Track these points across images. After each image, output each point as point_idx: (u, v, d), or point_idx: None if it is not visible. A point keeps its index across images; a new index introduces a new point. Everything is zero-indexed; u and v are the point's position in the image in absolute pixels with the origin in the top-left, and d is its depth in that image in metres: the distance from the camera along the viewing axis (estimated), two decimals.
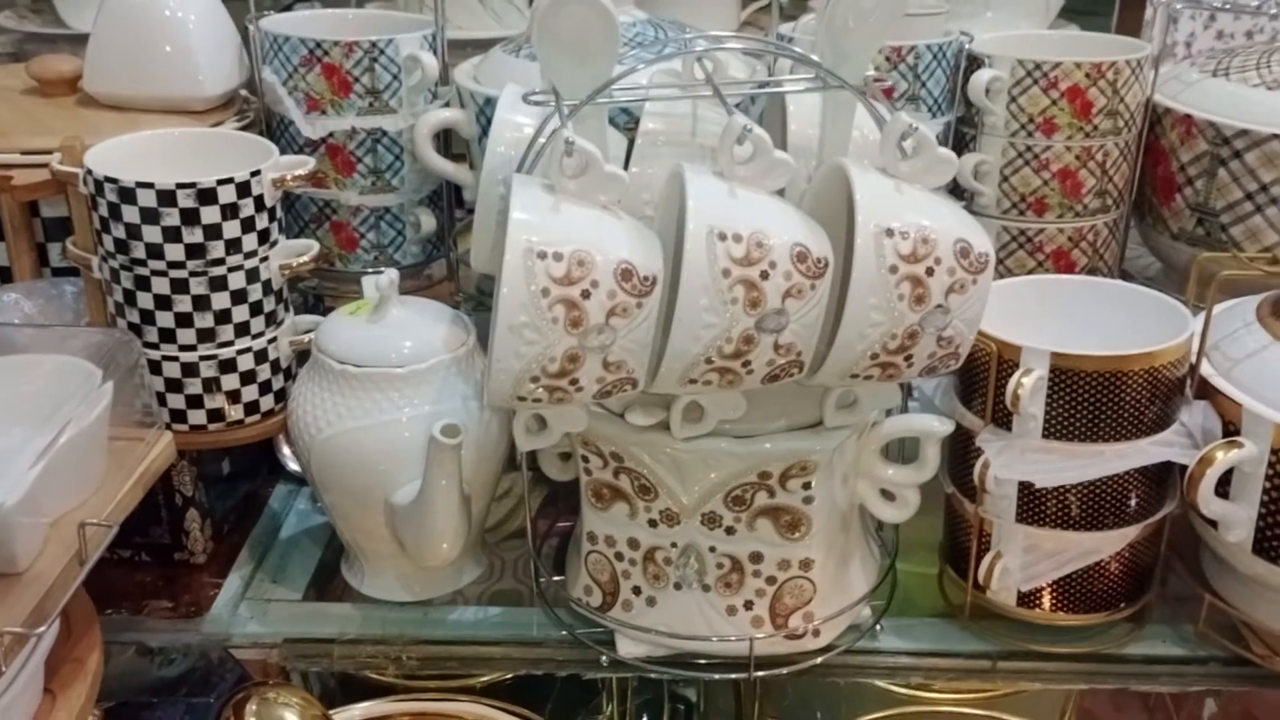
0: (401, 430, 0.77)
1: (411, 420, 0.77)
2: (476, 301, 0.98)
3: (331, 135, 0.91)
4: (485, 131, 0.89)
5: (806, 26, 0.94)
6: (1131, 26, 1.33)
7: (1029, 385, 0.71)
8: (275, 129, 0.94)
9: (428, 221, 0.96)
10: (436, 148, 0.91)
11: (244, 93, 0.97)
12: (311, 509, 0.95)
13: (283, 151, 0.87)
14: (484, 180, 0.76)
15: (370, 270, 0.97)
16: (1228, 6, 1.21)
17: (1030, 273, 0.93)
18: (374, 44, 0.90)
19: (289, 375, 0.85)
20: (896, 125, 0.65)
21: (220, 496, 0.92)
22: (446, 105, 0.92)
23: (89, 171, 0.76)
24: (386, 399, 0.77)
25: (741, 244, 0.62)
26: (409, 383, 0.77)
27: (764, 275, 0.62)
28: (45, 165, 0.81)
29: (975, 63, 0.92)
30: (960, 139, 0.95)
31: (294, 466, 0.96)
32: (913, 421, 0.76)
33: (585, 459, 0.76)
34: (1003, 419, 0.74)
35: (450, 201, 0.99)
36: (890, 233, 0.62)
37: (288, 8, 1.79)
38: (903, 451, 0.80)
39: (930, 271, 0.63)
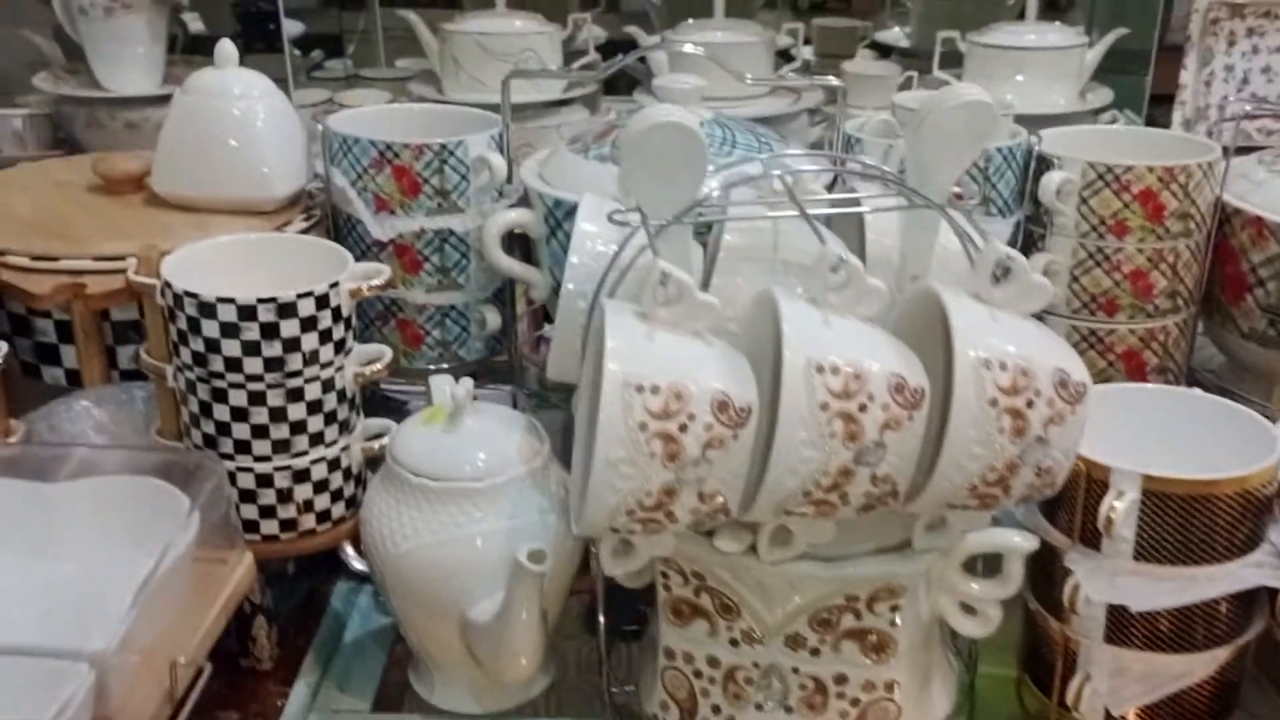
0: (479, 546, 0.76)
1: (489, 535, 0.76)
2: (540, 399, 0.98)
3: (400, 235, 0.91)
4: (554, 233, 0.89)
5: (875, 127, 0.94)
6: (1167, 80, 1.35)
7: (1121, 510, 0.70)
8: (342, 228, 0.94)
9: (493, 319, 0.96)
10: (504, 246, 0.91)
11: (311, 187, 0.97)
12: (374, 608, 0.94)
13: (349, 250, 0.87)
14: (564, 294, 0.75)
15: (434, 368, 0.97)
16: None
17: (1100, 373, 0.93)
18: (444, 146, 0.90)
19: (359, 481, 0.85)
20: (991, 253, 0.64)
21: (284, 596, 0.91)
22: (514, 205, 0.92)
23: (167, 284, 0.76)
24: (464, 514, 0.76)
25: (839, 376, 0.61)
26: (486, 497, 0.77)
27: (862, 408, 0.61)
28: (119, 272, 0.81)
29: (1044, 163, 0.91)
30: (1029, 238, 0.94)
31: (358, 565, 0.95)
32: (996, 537, 0.75)
33: (665, 575, 0.75)
34: (1091, 538, 0.73)
35: (513, 300, 0.99)
36: (989, 364, 0.62)
37: (318, 65, 1.81)
38: (983, 564, 0.79)
39: (1030, 404, 0.62)
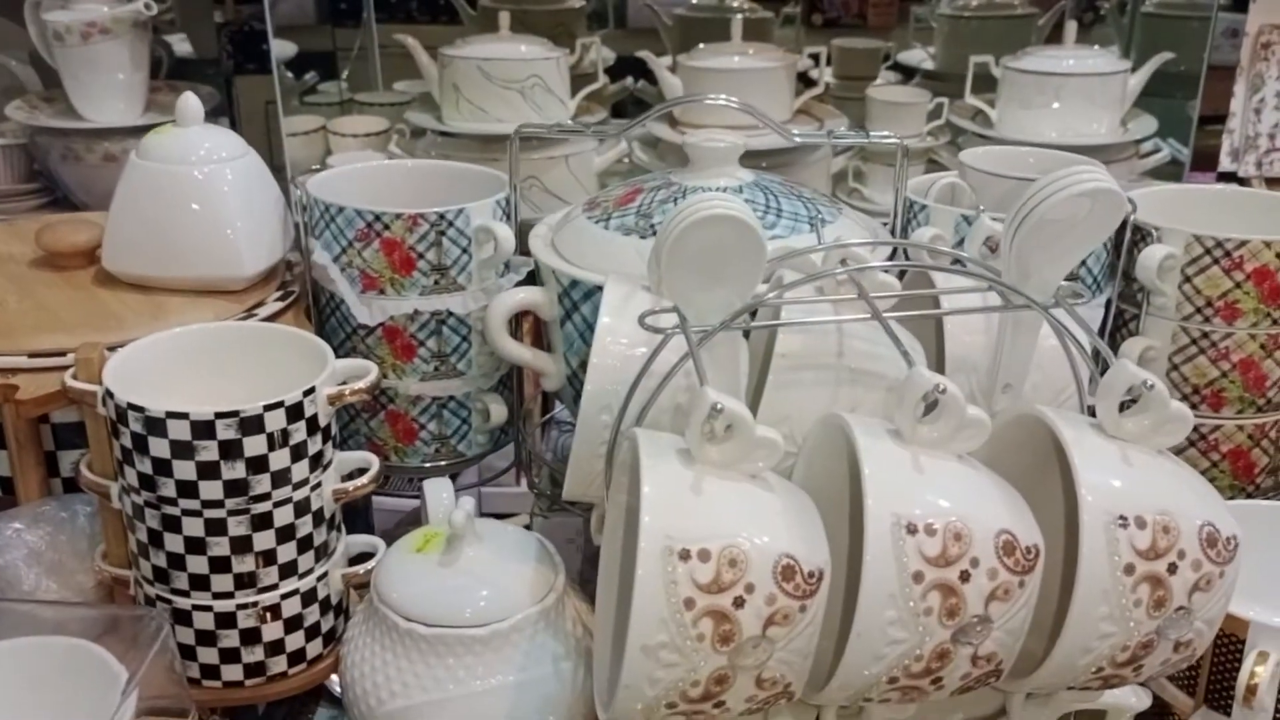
0: (482, 705, 0.63)
1: (495, 692, 0.64)
2: (551, 500, 0.85)
3: (391, 318, 0.79)
4: (569, 315, 0.77)
5: (941, 192, 0.82)
6: (1217, 103, 1.26)
7: (1266, 676, 0.57)
8: (324, 307, 0.82)
9: (498, 411, 0.83)
10: (510, 330, 0.79)
11: (290, 257, 0.84)
12: None
13: (331, 335, 0.75)
14: (585, 403, 0.63)
15: (430, 465, 0.84)
16: None
17: (1204, 473, 0.80)
18: (441, 215, 0.77)
19: (340, 611, 0.72)
20: (1122, 377, 0.51)
21: None
22: (522, 282, 0.80)
23: (109, 393, 0.64)
24: (463, 666, 0.64)
25: (936, 537, 0.49)
26: (490, 646, 0.64)
27: (964, 576, 0.49)
28: (57, 370, 0.69)
29: (1140, 235, 0.79)
30: (1120, 319, 0.82)
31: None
32: (1104, 695, 0.62)
33: None
34: (1219, 701, 0.60)
35: (520, 387, 0.86)
36: (1124, 522, 0.49)
37: (311, 89, 1.70)
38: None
39: (1173, 569, 0.50)
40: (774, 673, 0.50)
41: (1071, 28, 1.33)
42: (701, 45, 1.33)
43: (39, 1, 1.22)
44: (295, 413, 0.64)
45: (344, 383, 0.68)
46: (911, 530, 0.49)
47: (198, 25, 1.57)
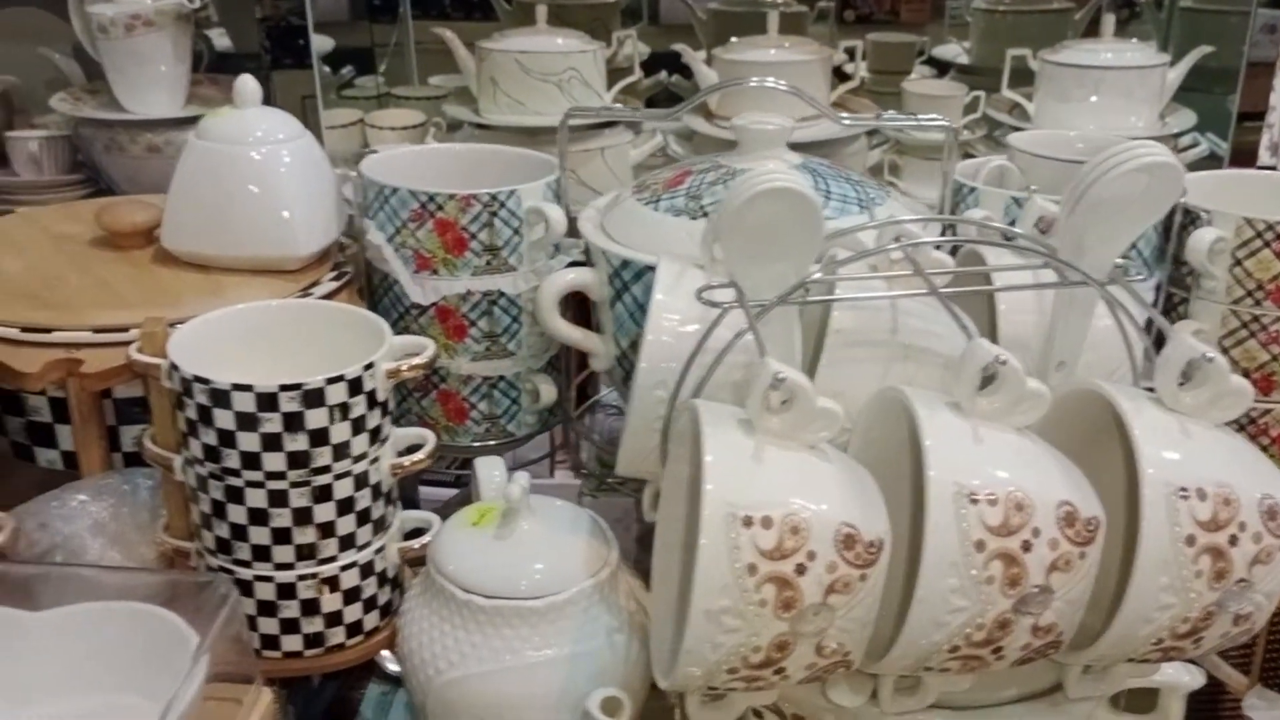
0: (540, 675, 0.64)
1: (550, 664, 0.64)
2: (599, 480, 0.86)
3: (443, 298, 0.80)
4: (620, 296, 0.77)
5: (991, 175, 0.82)
6: (1255, 98, 1.24)
7: None
8: (377, 287, 0.83)
9: (548, 391, 0.84)
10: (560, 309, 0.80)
11: (343, 239, 0.85)
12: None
13: (384, 315, 0.75)
14: (639, 379, 0.64)
15: (479, 445, 0.85)
16: None
17: None
18: (494, 196, 0.78)
19: (396, 584, 0.73)
20: (1181, 350, 0.52)
21: (307, 703, 0.80)
22: (574, 263, 0.80)
23: (174, 366, 0.65)
24: (519, 637, 0.65)
25: (997, 507, 0.49)
26: (546, 618, 0.65)
27: (1026, 546, 0.49)
28: (120, 346, 0.70)
29: (1190, 218, 0.79)
30: (1169, 303, 0.82)
31: (394, 668, 0.84)
32: (1158, 672, 0.63)
33: (758, 714, 0.63)
34: (1275, 680, 0.60)
35: (570, 368, 0.87)
36: (1185, 493, 0.49)
37: (348, 83, 1.72)
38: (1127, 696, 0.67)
39: (1234, 540, 0.50)
40: (834, 641, 0.51)
41: (1110, 21, 1.32)
42: (736, 39, 1.34)
43: None
44: (355, 386, 0.66)
45: (401, 359, 0.69)
46: (973, 500, 0.49)
47: (237, 20, 1.59)
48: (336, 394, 0.65)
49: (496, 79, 1.26)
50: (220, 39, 1.56)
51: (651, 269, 0.75)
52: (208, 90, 1.32)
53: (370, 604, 0.71)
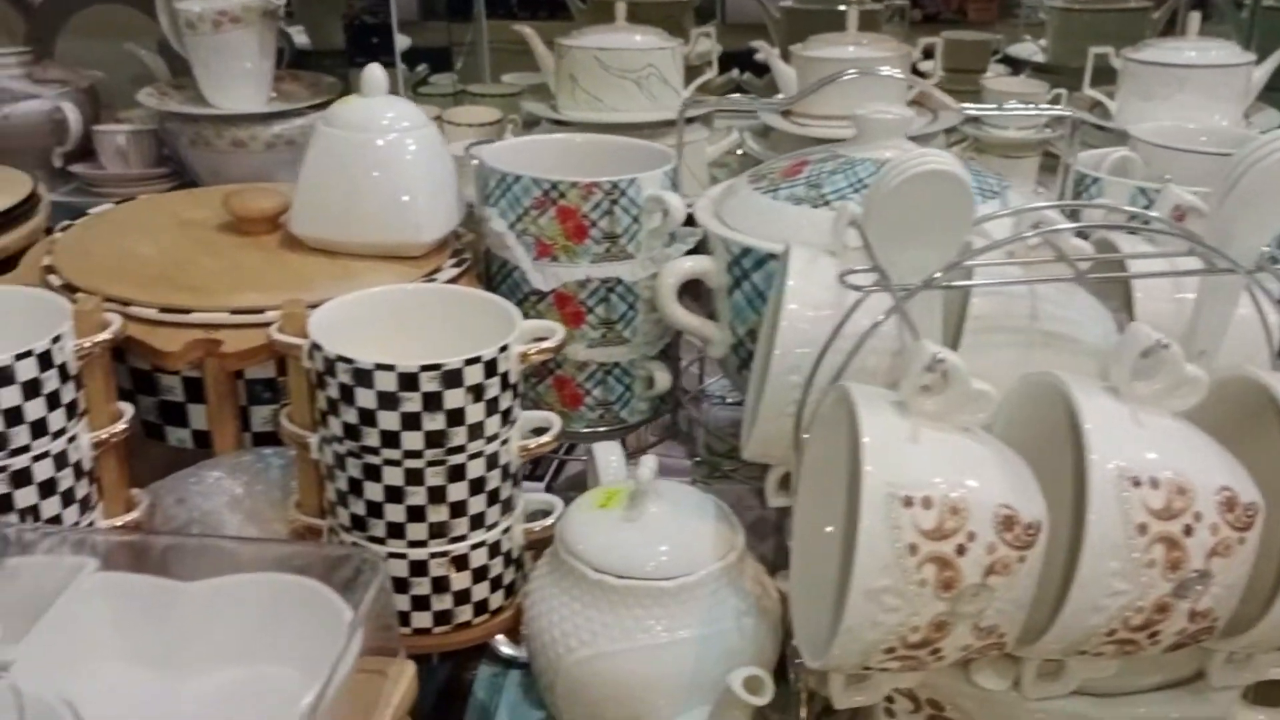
0: (670, 655, 0.65)
1: (682, 644, 0.65)
2: (711, 467, 0.87)
3: (563, 284, 0.81)
4: (738, 283, 0.78)
5: (1114, 165, 0.82)
6: None
7: None
8: (495, 274, 0.84)
9: (662, 378, 0.85)
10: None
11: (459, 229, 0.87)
12: (525, 700, 0.83)
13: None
14: (775, 366, 0.64)
15: (590, 429, 0.86)
16: None
17: None
18: (615, 185, 0.79)
19: (519, 566, 0.74)
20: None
21: (423, 680, 0.81)
22: (692, 251, 0.81)
23: (316, 346, 0.66)
24: (651, 617, 0.66)
25: (1160, 491, 0.49)
26: (677, 599, 0.66)
27: (1187, 531, 0.49)
28: (257, 327, 0.72)
29: None
30: None
31: (507, 651, 0.85)
32: None
33: (890, 699, 0.63)
34: None
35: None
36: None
37: (423, 81, 1.74)
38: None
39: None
40: (991, 622, 0.51)
41: (1194, 19, 1.31)
42: (814, 36, 1.34)
43: None
44: (491, 368, 0.67)
45: (530, 342, 0.70)
46: (1136, 483, 0.49)
47: (318, 17, 1.62)
48: (473, 375, 0.66)
49: (575, 76, 1.27)
50: (298, 36, 1.59)
51: (773, 257, 0.76)
52: (289, 86, 1.35)
53: (496, 583, 0.73)
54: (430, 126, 0.82)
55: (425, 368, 0.65)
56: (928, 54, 1.45)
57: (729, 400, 0.97)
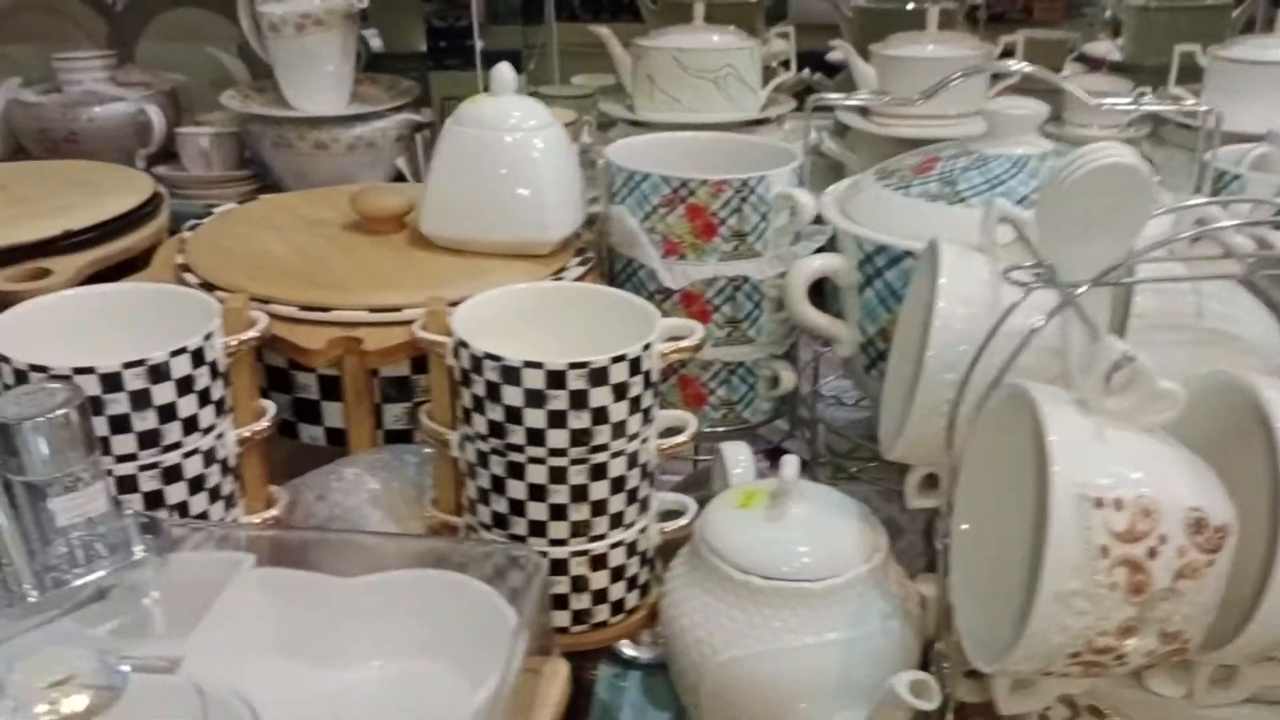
0: (817, 658, 0.64)
1: (828, 647, 0.64)
2: (835, 468, 0.86)
3: (691, 282, 0.81)
4: (869, 282, 0.77)
5: (1256, 160, 0.80)
6: None
7: None
8: (619, 273, 0.84)
9: (788, 377, 0.84)
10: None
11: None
12: (648, 701, 0.83)
13: None
14: (931, 361, 0.63)
15: (710, 429, 0.86)
16: None
17: None
18: (745, 182, 0.79)
19: (652, 565, 0.74)
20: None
21: None
22: (821, 249, 0.80)
23: (463, 344, 0.67)
24: (797, 618, 0.65)
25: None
26: (824, 601, 0.65)
27: None
28: (397, 325, 0.72)
29: None
30: None
31: (630, 653, 0.85)
32: None
33: (1045, 705, 0.62)
34: None
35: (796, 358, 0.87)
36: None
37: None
38: None
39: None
40: (1177, 627, 0.50)
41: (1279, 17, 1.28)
42: (894, 35, 1.33)
43: None
44: (635, 366, 0.66)
45: (668, 340, 0.70)
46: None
47: (392, 20, 1.62)
48: (618, 373, 0.66)
49: (653, 76, 1.27)
50: (372, 40, 1.60)
51: (909, 254, 0.75)
52: (367, 89, 1.36)
53: (632, 583, 0.72)
54: (557, 125, 0.82)
55: (573, 365, 0.64)
56: (1007, 53, 1.43)
57: (843, 401, 0.97)
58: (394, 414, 0.77)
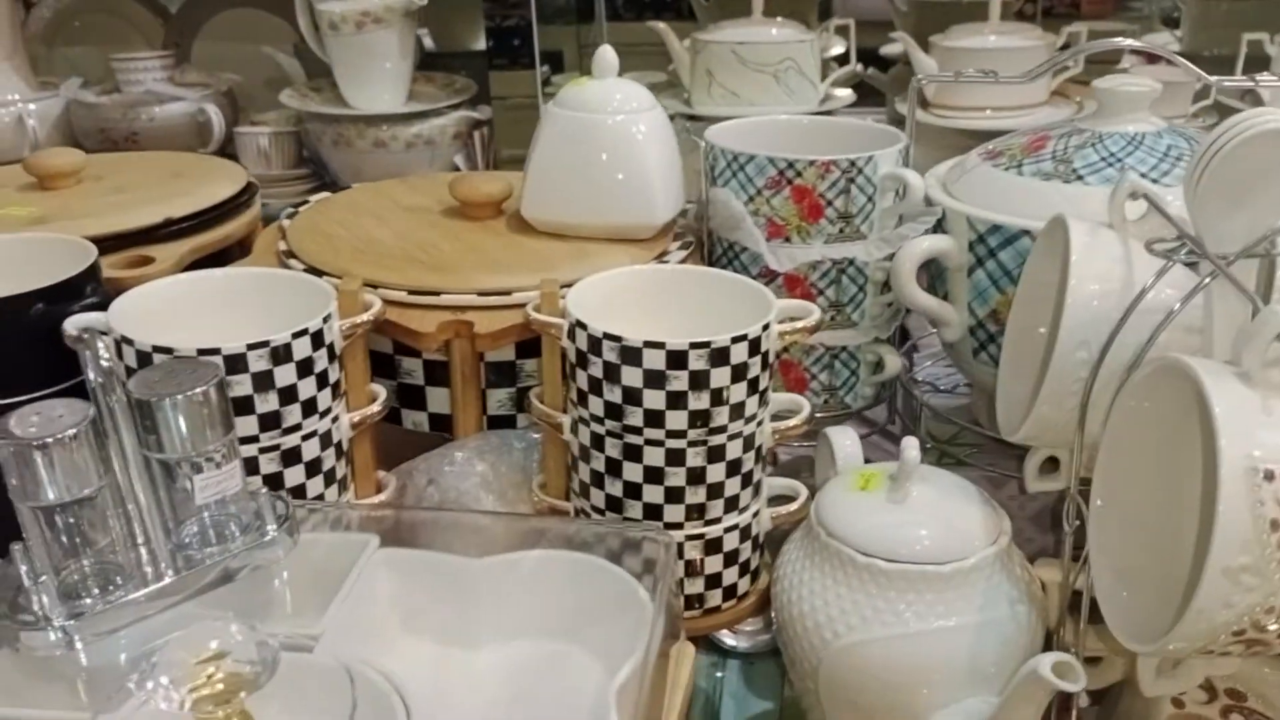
0: (944, 642, 0.63)
1: (956, 630, 0.63)
2: (940, 453, 0.84)
3: (796, 266, 0.80)
4: (981, 263, 0.76)
5: None
6: None
7: None
8: (719, 257, 0.83)
9: (893, 362, 0.83)
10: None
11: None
12: (748, 689, 0.82)
13: None
14: (1064, 338, 0.62)
15: (815, 415, 0.85)
16: None
17: None
18: (852, 163, 0.78)
19: (762, 550, 0.73)
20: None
21: None
22: (931, 230, 0.79)
23: (580, 324, 0.66)
24: (924, 602, 0.63)
25: None
26: (952, 584, 0.63)
27: None
28: (508, 309, 0.72)
29: None
30: None
31: (730, 641, 0.84)
32: None
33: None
34: None
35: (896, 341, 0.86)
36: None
37: (546, 81, 1.74)
38: None
39: None
40: None
41: None
42: (955, 26, 1.31)
43: None
44: (754, 347, 0.66)
45: (784, 321, 0.69)
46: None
47: (444, 18, 1.62)
48: (738, 353, 0.65)
49: (712, 70, 1.26)
50: (424, 38, 1.60)
51: (1026, 234, 0.73)
52: (423, 87, 1.36)
53: (744, 568, 0.71)
54: (658, 109, 0.81)
55: (694, 345, 0.64)
56: (1067, 45, 1.41)
57: (938, 387, 0.95)
58: (498, 399, 0.77)
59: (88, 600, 0.51)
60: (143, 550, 0.53)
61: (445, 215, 0.84)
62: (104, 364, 0.50)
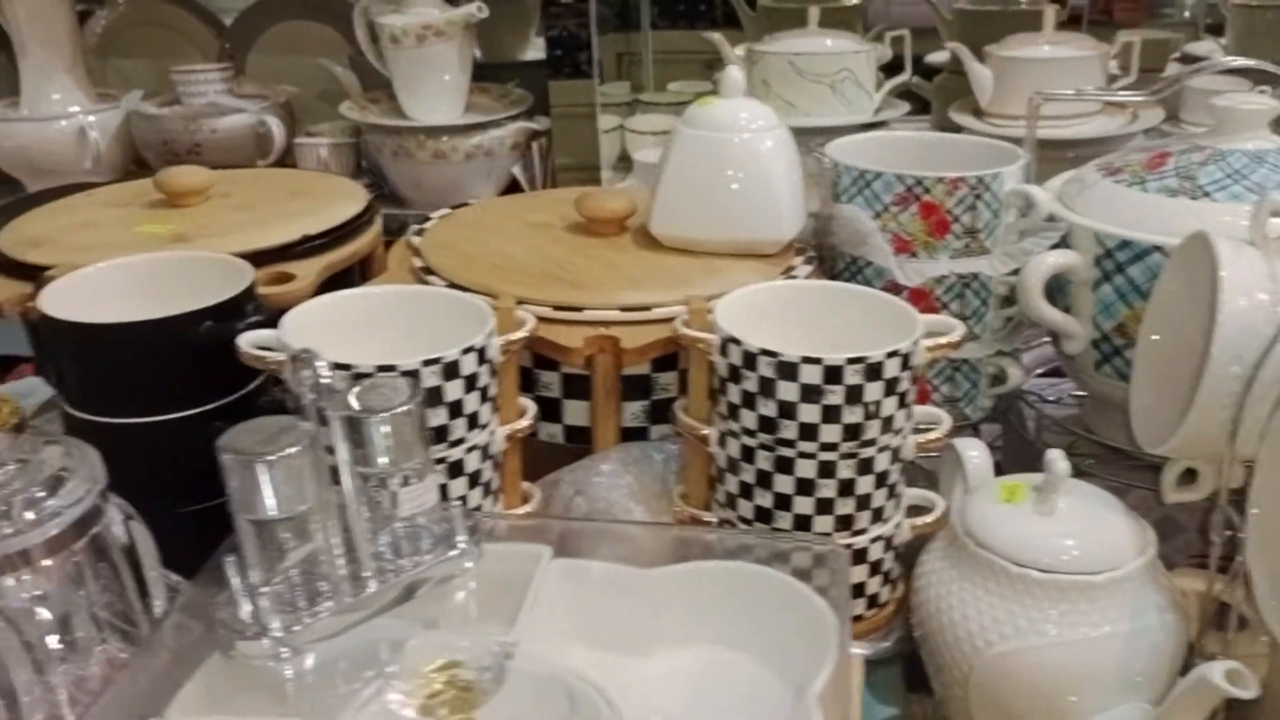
0: (1098, 650, 0.64)
1: (1107, 640, 0.64)
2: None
3: (923, 280, 0.81)
4: (1107, 278, 0.77)
5: None
6: None
7: None
8: (841, 272, 0.84)
9: (1015, 374, 0.85)
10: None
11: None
12: (872, 696, 0.83)
13: None
14: (1218, 352, 0.63)
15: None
16: None
17: None
18: (980, 179, 0.79)
19: (901, 559, 0.74)
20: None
21: None
22: (1057, 246, 0.80)
23: (732, 340, 0.67)
24: (1077, 612, 0.65)
25: None
26: (1104, 593, 0.65)
27: None
28: (650, 323, 0.74)
29: None
30: None
31: (857, 649, 0.85)
32: None
33: None
34: None
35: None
36: None
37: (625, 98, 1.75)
38: None
39: None
40: None
41: None
42: (1010, 36, 1.32)
43: (368, 5, 1.29)
44: (905, 362, 0.67)
45: (928, 337, 0.71)
46: None
47: (492, 30, 1.64)
48: (891, 368, 0.66)
49: (769, 81, 1.28)
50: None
51: (1157, 249, 0.75)
52: (478, 99, 1.37)
53: (887, 577, 0.73)
54: (783, 127, 0.83)
55: (851, 360, 0.65)
56: (1127, 52, 1.42)
57: (1046, 398, 0.96)
58: (632, 411, 0.78)
59: (298, 610, 0.53)
60: (345, 561, 0.55)
61: (570, 231, 0.86)
62: (324, 381, 0.51)
